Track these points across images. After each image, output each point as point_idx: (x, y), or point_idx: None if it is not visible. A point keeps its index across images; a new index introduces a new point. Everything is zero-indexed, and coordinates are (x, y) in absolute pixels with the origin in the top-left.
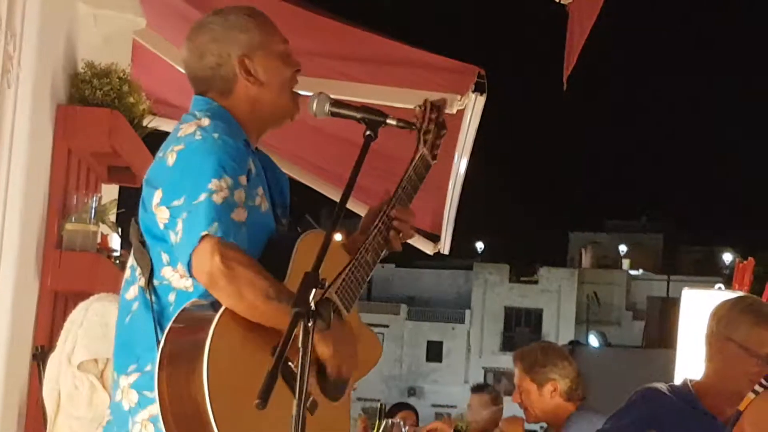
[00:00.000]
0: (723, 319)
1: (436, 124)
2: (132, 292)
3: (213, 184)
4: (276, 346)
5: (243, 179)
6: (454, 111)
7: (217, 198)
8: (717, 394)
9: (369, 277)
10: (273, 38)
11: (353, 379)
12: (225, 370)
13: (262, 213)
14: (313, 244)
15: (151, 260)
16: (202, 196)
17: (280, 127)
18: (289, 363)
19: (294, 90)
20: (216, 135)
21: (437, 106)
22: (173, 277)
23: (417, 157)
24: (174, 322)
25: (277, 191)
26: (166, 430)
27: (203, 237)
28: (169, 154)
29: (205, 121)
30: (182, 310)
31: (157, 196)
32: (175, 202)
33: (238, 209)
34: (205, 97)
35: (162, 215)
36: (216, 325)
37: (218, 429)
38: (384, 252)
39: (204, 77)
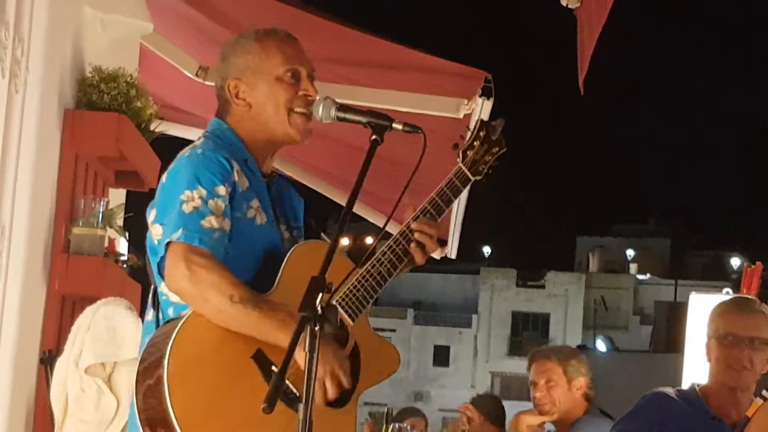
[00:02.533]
0: (708, 322)
1: (484, 142)
2: (150, 312)
3: (185, 195)
4: (256, 351)
5: (221, 190)
6: (461, 116)
7: (187, 207)
8: (719, 396)
9: (382, 290)
10: (270, 62)
11: (361, 387)
12: (186, 374)
13: (257, 225)
14: (306, 254)
15: (154, 277)
16: (174, 209)
17: (286, 145)
18: (273, 367)
19: (299, 111)
20: (199, 151)
21: (490, 126)
22: (169, 292)
23: (453, 172)
24: (152, 337)
25: (290, 212)
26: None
27: (167, 244)
28: (166, 173)
29: (200, 140)
30: (161, 325)
31: (153, 213)
32: (160, 218)
33: (210, 217)
34: (216, 118)
35: (156, 232)
36: (176, 334)
37: (180, 428)
38: (404, 264)
39: (216, 97)
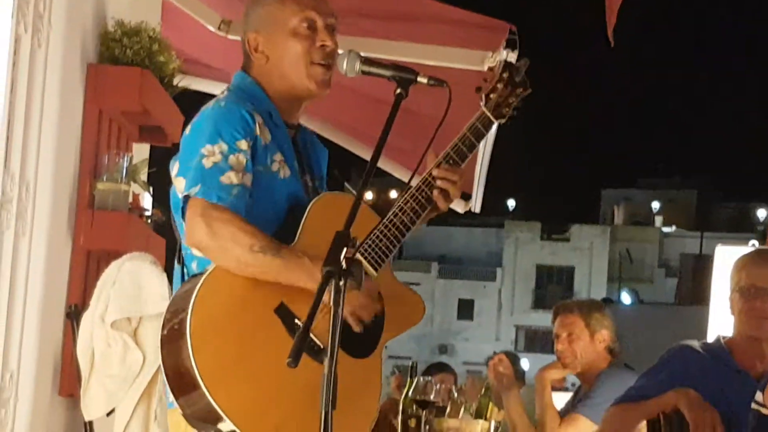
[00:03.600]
0: (731, 275)
1: (508, 84)
2: (176, 267)
3: (205, 149)
4: (279, 304)
5: (242, 144)
6: (485, 68)
7: (207, 162)
8: (744, 348)
9: (405, 237)
10: (286, 13)
11: (386, 336)
12: (209, 329)
13: (280, 178)
14: (327, 205)
15: (178, 231)
16: (194, 162)
17: (312, 98)
18: (296, 320)
19: (317, 62)
20: (222, 104)
21: (514, 67)
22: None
23: (476, 117)
24: (175, 293)
25: (314, 163)
26: (170, 389)
27: (185, 199)
28: (189, 126)
29: (224, 94)
30: (185, 281)
31: (176, 167)
32: (182, 171)
33: (230, 172)
34: (241, 71)
35: (178, 185)
36: (198, 290)
37: (205, 385)
38: (427, 212)
39: (242, 51)
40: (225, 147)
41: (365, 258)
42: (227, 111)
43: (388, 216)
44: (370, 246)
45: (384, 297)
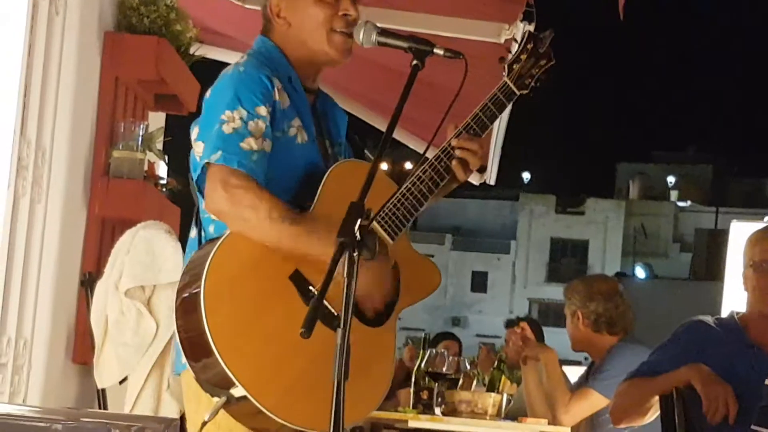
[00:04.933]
0: (744, 251)
1: (531, 55)
2: (193, 230)
3: (225, 114)
4: (294, 271)
5: (262, 110)
6: (502, 40)
7: (227, 128)
8: (757, 324)
9: (423, 207)
10: None
11: (402, 305)
12: (223, 294)
13: (298, 144)
14: (345, 173)
15: (197, 195)
16: (214, 128)
17: (332, 65)
18: (310, 287)
19: (339, 30)
20: (242, 69)
21: (538, 38)
22: None
23: (498, 87)
24: (190, 258)
25: (334, 128)
26: (184, 355)
27: (206, 165)
28: (209, 90)
29: (244, 58)
30: (201, 246)
31: (195, 131)
32: (202, 136)
33: (250, 138)
34: (261, 36)
35: (197, 149)
36: (213, 255)
37: (218, 351)
38: (446, 182)
39: (262, 16)
40: (245, 113)
41: (381, 226)
42: (247, 76)
43: (405, 184)
44: (386, 214)
45: (400, 265)
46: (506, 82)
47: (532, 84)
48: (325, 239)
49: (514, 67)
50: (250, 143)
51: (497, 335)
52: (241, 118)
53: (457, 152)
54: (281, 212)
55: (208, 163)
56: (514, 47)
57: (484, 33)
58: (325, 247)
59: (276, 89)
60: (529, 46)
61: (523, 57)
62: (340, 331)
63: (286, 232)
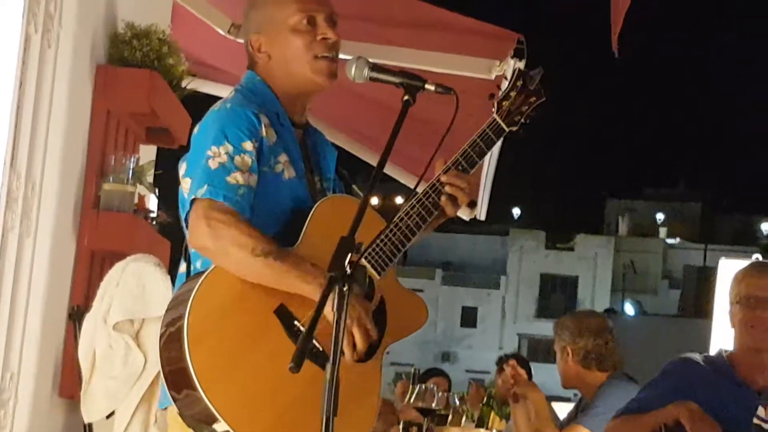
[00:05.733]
0: (730, 289)
1: (521, 92)
2: (182, 265)
3: (212, 150)
4: (279, 306)
5: (248, 145)
6: (493, 77)
7: (213, 163)
8: (745, 361)
9: (411, 243)
10: (285, 11)
11: (388, 341)
12: (207, 328)
13: (285, 179)
14: (331, 208)
15: (186, 230)
16: (200, 163)
17: (316, 93)
18: (295, 322)
19: (320, 55)
20: (228, 105)
21: (528, 75)
22: None
23: (487, 123)
24: (176, 292)
25: (323, 163)
26: (168, 390)
27: (192, 201)
28: (197, 127)
29: (231, 94)
30: (187, 280)
31: (183, 167)
32: (189, 172)
33: (236, 173)
34: (249, 71)
35: (185, 185)
36: (197, 289)
37: (201, 387)
38: (434, 218)
39: (246, 53)
40: (231, 148)
41: (369, 261)
42: (233, 112)
43: (393, 220)
44: (374, 250)
45: (387, 301)
46: (495, 119)
47: (522, 120)
48: (308, 276)
49: (504, 103)
50: (236, 177)
51: (487, 370)
52: (227, 153)
53: (446, 188)
54: (264, 248)
55: (195, 198)
56: (505, 84)
57: (474, 69)
58: (307, 284)
59: (263, 125)
60: (519, 83)
61: (513, 94)
62: (329, 366)
63: (268, 268)
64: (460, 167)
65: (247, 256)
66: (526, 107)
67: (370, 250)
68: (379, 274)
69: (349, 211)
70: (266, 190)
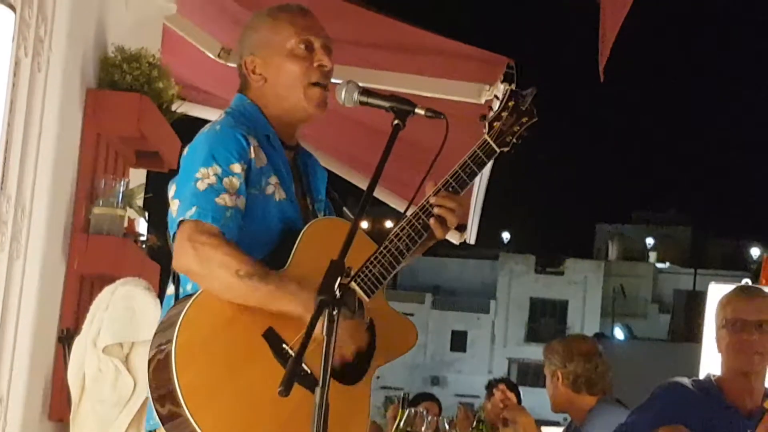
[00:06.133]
0: (716, 313)
1: (513, 112)
2: (170, 287)
3: (200, 172)
4: (267, 329)
5: (236, 167)
6: (483, 101)
7: (201, 185)
8: (733, 384)
9: (401, 265)
10: (282, 35)
11: (377, 363)
12: (195, 351)
13: (275, 201)
14: (321, 230)
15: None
16: (189, 185)
17: (308, 120)
18: (284, 345)
19: (315, 82)
20: (218, 127)
21: (520, 95)
22: None
23: (478, 144)
24: (165, 315)
25: (314, 186)
26: (156, 413)
27: (180, 222)
28: (186, 149)
29: (221, 117)
30: (176, 302)
31: (173, 189)
32: (177, 194)
33: (224, 194)
34: (240, 94)
35: (174, 207)
36: (186, 312)
37: (189, 410)
38: (424, 240)
39: (238, 75)
40: (219, 170)
41: (358, 284)
42: (222, 134)
43: (383, 243)
44: (363, 272)
45: (376, 324)
46: (486, 140)
47: (514, 141)
48: (296, 297)
49: (495, 124)
50: (224, 199)
51: (476, 395)
52: (216, 175)
53: (436, 210)
54: (250, 270)
55: (182, 220)
56: (496, 104)
57: (464, 94)
58: (295, 305)
59: (252, 147)
60: (511, 104)
61: (504, 114)
62: (318, 390)
63: (254, 291)
64: (450, 188)
65: (231, 278)
66: (518, 127)
67: (359, 272)
68: (368, 296)
69: (339, 233)
70: (256, 212)
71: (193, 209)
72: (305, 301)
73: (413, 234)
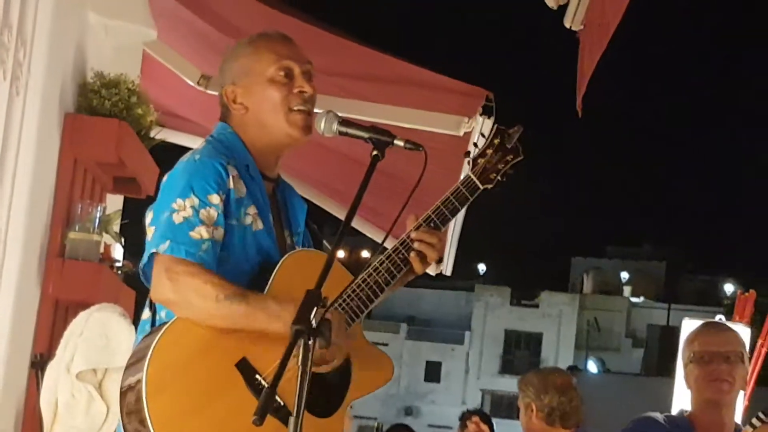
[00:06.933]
0: (683, 350)
1: (498, 150)
2: (146, 312)
3: (177, 203)
4: (241, 359)
5: (215, 198)
6: (461, 133)
7: (177, 217)
8: (704, 418)
9: (379, 299)
10: (262, 63)
11: (351, 396)
12: (166, 381)
13: (254, 232)
14: (297, 262)
15: (143, 280)
16: (165, 215)
17: (290, 147)
18: (257, 376)
19: (297, 108)
20: (197, 156)
21: (506, 132)
22: None
23: (461, 180)
24: (137, 344)
25: (293, 218)
26: None
27: (152, 255)
28: (166, 176)
29: (202, 145)
30: (149, 332)
31: (149, 216)
32: (153, 221)
33: (201, 227)
34: (221, 122)
35: (149, 234)
36: (157, 341)
37: None
38: (403, 274)
39: (219, 104)
40: (196, 201)
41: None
42: (201, 164)
43: (361, 275)
44: (340, 305)
45: (352, 356)
46: (470, 176)
47: (498, 179)
48: (275, 314)
49: (479, 161)
50: (200, 232)
51: (450, 426)
52: (192, 207)
53: (416, 245)
54: (227, 293)
55: (156, 252)
56: (478, 139)
57: (443, 126)
58: (275, 321)
59: (231, 177)
60: (496, 141)
61: (489, 152)
62: (292, 421)
63: (234, 312)
64: (431, 224)
65: (210, 303)
66: (503, 165)
67: (336, 305)
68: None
69: (316, 265)
70: (234, 242)
71: (167, 243)
72: (285, 317)
73: (392, 268)
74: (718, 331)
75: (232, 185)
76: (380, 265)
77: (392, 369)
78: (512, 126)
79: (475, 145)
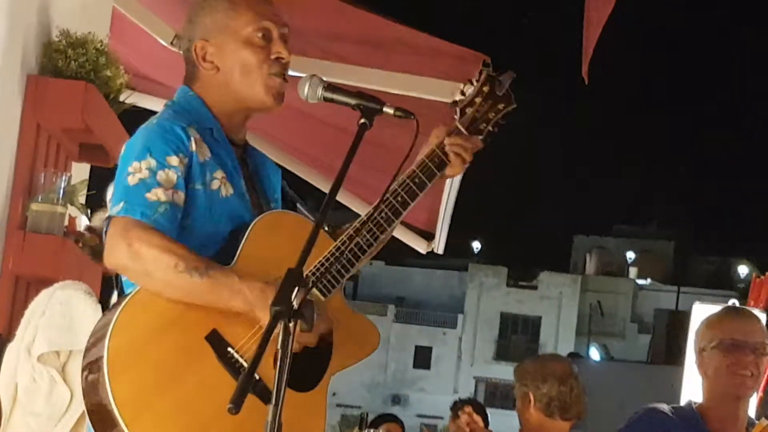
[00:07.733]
0: (699, 334)
1: (488, 98)
2: (114, 296)
3: (132, 166)
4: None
5: (173, 160)
6: (456, 100)
7: (132, 179)
8: (719, 411)
9: (360, 264)
10: (239, 21)
11: (334, 368)
12: (130, 358)
13: (222, 197)
14: (270, 225)
15: None
16: (121, 180)
17: (265, 112)
18: (229, 349)
19: (271, 74)
20: (155, 121)
21: (496, 79)
22: None
23: (447, 131)
24: (99, 319)
25: (267, 183)
26: (92, 427)
27: (109, 219)
28: (124, 146)
29: (162, 110)
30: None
31: (110, 191)
32: (114, 194)
33: (158, 189)
34: (183, 86)
35: (109, 207)
36: (118, 314)
37: (124, 423)
38: (387, 234)
39: (184, 62)
40: (154, 162)
41: (314, 283)
42: (159, 127)
43: (341, 238)
44: (320, 269)
45: (334, 326)
46: (456, 127)
47: (489, 129)
48: (239, 291)
49: (468, 110)
50: (157, 194)
51: (440, 416)
52: (148, 168)
53: (449, 148)
54: (189, 264)
55: (110, 216)
56: (466, 88)
57: (437, 92)
58: (238, 299)
59: (193, 140)
60: (486, 89)
61: (478, 100)
62: (271, 407)
63: (194, 286)
64: (414, 183)
65: (169, 273)
66: (493, 114)
67: (314, 269)
68: (324, 296)
69: (290, 228)
70: (201, 208)
71: (122, 204)
72: (248, 295)
73: (375, 229)
74: (746, 318)
75: (194, 148)
76: (362, 226)
77: (378, 338)
78: (503, 72)
79: (463, 93)
